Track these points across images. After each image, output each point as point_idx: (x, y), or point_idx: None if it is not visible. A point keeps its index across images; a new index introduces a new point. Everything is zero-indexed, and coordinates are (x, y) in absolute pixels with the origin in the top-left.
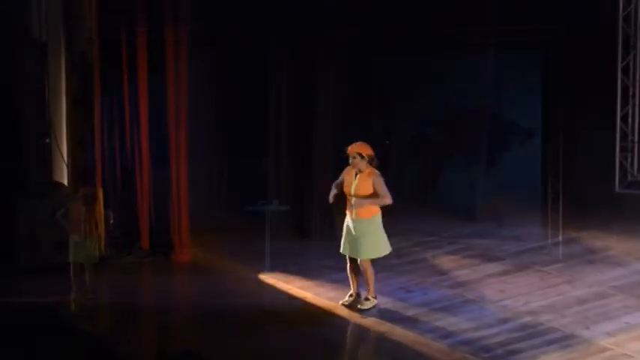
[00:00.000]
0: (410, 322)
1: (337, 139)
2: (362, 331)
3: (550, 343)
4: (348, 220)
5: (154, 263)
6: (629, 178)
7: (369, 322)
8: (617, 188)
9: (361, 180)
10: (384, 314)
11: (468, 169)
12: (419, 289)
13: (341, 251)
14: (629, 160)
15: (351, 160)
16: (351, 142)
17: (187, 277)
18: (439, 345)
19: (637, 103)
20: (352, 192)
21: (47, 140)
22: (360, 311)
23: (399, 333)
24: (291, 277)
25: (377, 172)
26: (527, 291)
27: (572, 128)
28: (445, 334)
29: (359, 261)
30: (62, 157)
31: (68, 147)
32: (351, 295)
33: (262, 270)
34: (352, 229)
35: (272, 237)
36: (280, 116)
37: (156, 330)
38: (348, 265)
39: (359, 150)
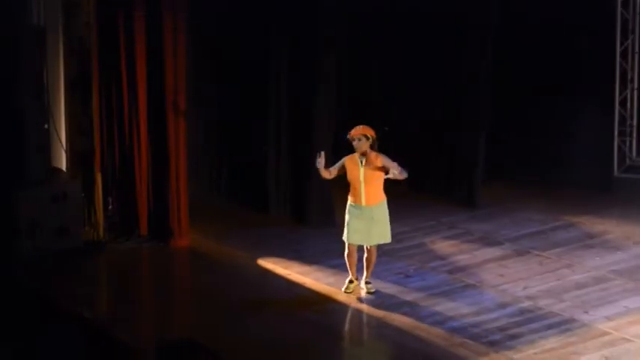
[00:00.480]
0: (409, 307)
1: (336, 126)
2: (361, 316)
3: (549, 327)
4: (355, 208)
5: (153, 249)
6: (628, 162)
7: (368, 307)
8: (615, 172)
9: (368, 164)
10: (383, 299)
11: (467, 155)
12: (418, 273)
13: (350, 241)
14: (627, 144)
15: (356, 143)
16: (350, 128)
17: (186, 263)
18: (438, 330)
19: (635, 87)
20: (361, 178)
21: (46, 126)
22: (370, 294)
23: (398, 318)
24: (290, 263)
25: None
26: (526, 276)
27: (570, 113)
28: (444, 319)
29: (368, 247)
30: (61, 142)
31: (67, 133)
32: (351, 282)
33: (261, 256)
34: (363, 216)
35: (271, 223)
36: (280, 104)
37: (154, 316)
38: (347, 252)
39: (364, 132)
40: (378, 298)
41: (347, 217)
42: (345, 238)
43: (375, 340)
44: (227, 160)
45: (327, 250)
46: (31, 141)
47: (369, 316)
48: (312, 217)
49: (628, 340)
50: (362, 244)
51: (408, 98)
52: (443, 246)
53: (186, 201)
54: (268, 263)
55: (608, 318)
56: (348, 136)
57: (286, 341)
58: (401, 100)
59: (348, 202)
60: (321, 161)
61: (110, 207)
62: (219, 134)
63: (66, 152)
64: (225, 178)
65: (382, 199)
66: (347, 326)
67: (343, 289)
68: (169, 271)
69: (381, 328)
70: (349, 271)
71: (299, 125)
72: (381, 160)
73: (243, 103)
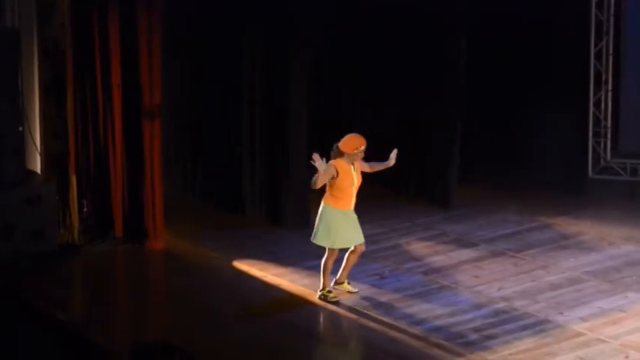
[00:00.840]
0: (384, 309)
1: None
2: (337, 318)
3: (524, 328)
4: (341, 213)
5: (128, 251)
6: (602, 163)
7: (344, 308)
8: (590, 173)
9: (357, 169)
10: (358, 301)
11: (442, 156)
12: (393, 275)
13: (337, 246)
14: (602, 145)
15: (362, 154)
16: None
17: (161, 265)
18: (414, 331)
19: (610, 89)
20: (355, 183)
21: (20, 129)
22: (350, 293)
23: (373, 319)
24: (265, 265)
25: None
26: (501, 277)
27: (545, 114)
28: (419, 320)
29: (357, 246)
30: (35, 145)
31: (41, 135)
32: (330, 291)
33: (237, 257)
34: (348, 219)
35: (246, 224)
36: (255, 105)
37: (129, 318)
38: (329, 257)
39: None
40: (353, 300)
41: (330, 223)
42: (328, 244)
43: (350, 341)
44: (201, 160)
45: (303, 252)
46: (6, 144)
47: (345, 318)
48: (287, 218)
49: (602, 341)
50: (353, 245)
51: (382, 99)
52: (418, 247)
53: (162, 203)
54: (244, 265)
55: (583, 319)
56: (354, 150)
57: (262, 343)
58: (375, 101)
59: (330, 209)
60: (322, 163)
61: (85, 209)
62: (193, 134)
63: (40, 155)
64: (199, 179)
65: None
66: (323, 328)
67: (330, 299)
68: (144, 273)
69: (356, 329)
70: (323, 279)
71: (274, 126)
72: (359, 163)
73: (217, 103)
